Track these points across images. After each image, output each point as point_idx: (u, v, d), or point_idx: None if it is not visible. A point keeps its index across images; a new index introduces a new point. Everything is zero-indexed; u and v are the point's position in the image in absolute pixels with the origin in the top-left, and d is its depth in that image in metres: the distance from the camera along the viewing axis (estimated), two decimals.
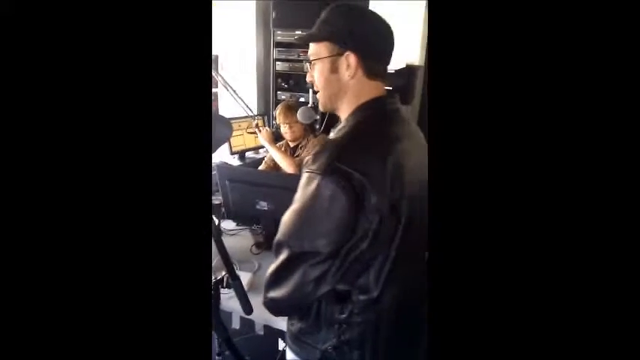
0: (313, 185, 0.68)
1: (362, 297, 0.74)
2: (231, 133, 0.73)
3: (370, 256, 0.72)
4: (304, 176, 0.71)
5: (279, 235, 0.73)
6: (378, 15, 0.78)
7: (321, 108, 0.84)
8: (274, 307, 0.77)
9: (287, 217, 0.72)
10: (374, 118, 0.77)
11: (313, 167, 0.69)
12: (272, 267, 0.75)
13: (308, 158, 0.72)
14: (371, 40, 0.76)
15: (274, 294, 0.74)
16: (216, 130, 0.70)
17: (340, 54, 0.76)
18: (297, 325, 0.82)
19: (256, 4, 3.15)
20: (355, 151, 0.70)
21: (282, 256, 0.72)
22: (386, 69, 0.81)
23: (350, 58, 0.76)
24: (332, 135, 0.80)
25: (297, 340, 0.82)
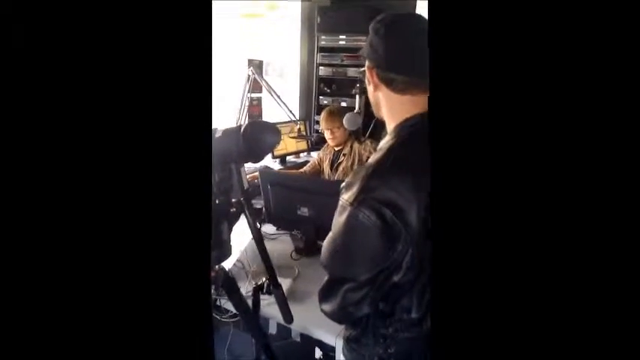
0: (344, 216, 0.68)
1: (406, 316, 0.74)
2: (279, 140, 0.72)
3: (409, 283, 0.71)
4: (339, 204, 0.71)
5: (320, 257, 0.76)
6: (413, 24, 0.72)
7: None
8: (327, 315, 0.80)
9: (325, 242, 0.74)
10: (411, 140, 0.71)
11: (345, 197, 0.69)
12: (322, 283, 0.78)
13: (342, 185, 0.71)
14: (392, 52, 0.71)
15: (324, 307, 0.77)
16: (265, 138, 0.69)
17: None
18: (349, 331, 0.83)
19: (302, 9, 3.18)
20: (386, 181, 0.67)
21: (326, 277, 0.76)
22: (425, 82, 0.71)
23: (367, 72, 0.75)
24: (372, 156, 0.78)
25: (348, 346, 0.84)
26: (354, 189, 0.68)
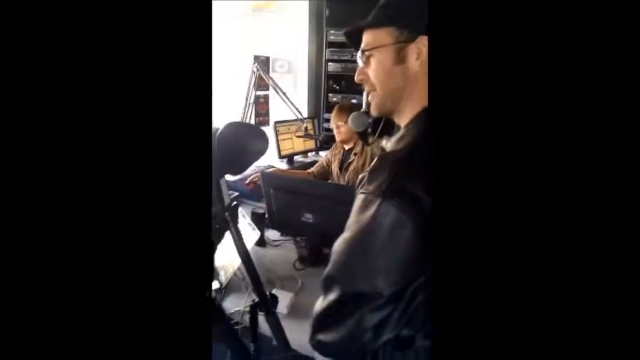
0: (371, 211, 0.55)
1: (427, 342, 0.60)
2: (267, 147, 0.60)
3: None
4: (359, 198, 0.58)
5: (329, 268, 0.60)
6: None
7: (375, 111, 0.71)
8: (324, 350, 0.64)
9: (338, 247, 0.59)
10: None
11: (370, 188, 0.56)
12: (321, 305, 0.61)
13: (363, 176, 0.59)
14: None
15: (323, 337, 0.61)
16: (248, 145, 0.58)
17: (409, 40, 0.63)
18: None
19: (309, 3, 3.06)
20: (423, 166, 0.55)
21: (333, 296, 0.59)
22: None
23: (423, 44, 0.62)
24: (389, 146, 0.66)
25: None
26: (382, 177, 0.56)
